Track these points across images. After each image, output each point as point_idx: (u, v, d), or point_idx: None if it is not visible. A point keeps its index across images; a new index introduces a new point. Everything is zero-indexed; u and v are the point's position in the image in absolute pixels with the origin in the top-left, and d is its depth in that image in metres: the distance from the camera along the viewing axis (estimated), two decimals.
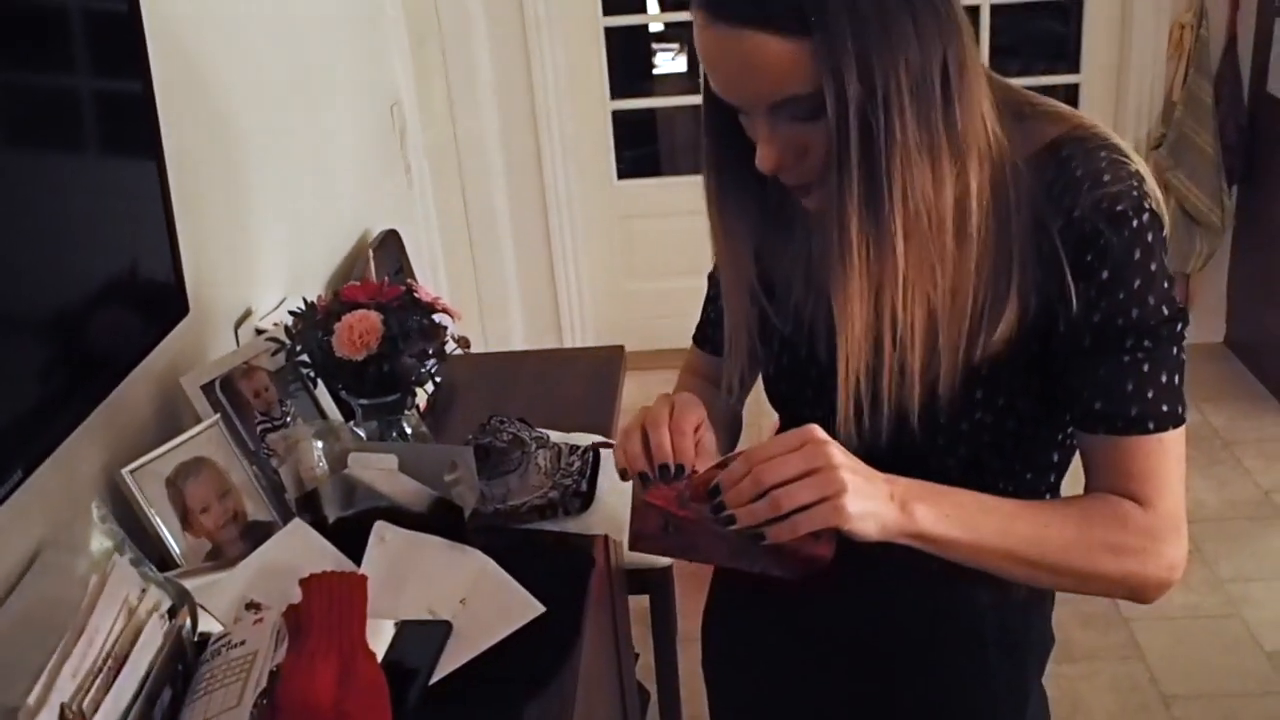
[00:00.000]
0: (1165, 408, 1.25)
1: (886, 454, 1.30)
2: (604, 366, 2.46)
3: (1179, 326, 1.24)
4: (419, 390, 1.97)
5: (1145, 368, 1.24)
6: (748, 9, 1.13)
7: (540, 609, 1.58)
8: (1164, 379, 1.24)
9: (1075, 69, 4.75)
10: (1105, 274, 1.22)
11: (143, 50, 1.68)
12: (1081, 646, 3.21)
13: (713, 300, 1.63)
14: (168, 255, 1.75)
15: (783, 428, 1.58)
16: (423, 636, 1.52)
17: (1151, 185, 1.24)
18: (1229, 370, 4.74)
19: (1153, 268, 1.22)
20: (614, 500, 1.87)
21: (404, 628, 1.52)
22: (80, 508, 1.50)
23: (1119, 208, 1.20)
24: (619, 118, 4.84)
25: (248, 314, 2.19)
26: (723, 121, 1.29)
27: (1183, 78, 4.48)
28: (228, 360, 1.92)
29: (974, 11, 4.66)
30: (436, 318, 1.88)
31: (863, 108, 1.13)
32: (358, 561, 1.65)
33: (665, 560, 2.63)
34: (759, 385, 1.58)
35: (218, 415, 1.81)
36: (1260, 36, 4.42)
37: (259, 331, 2.11)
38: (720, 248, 1.42)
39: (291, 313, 1.87)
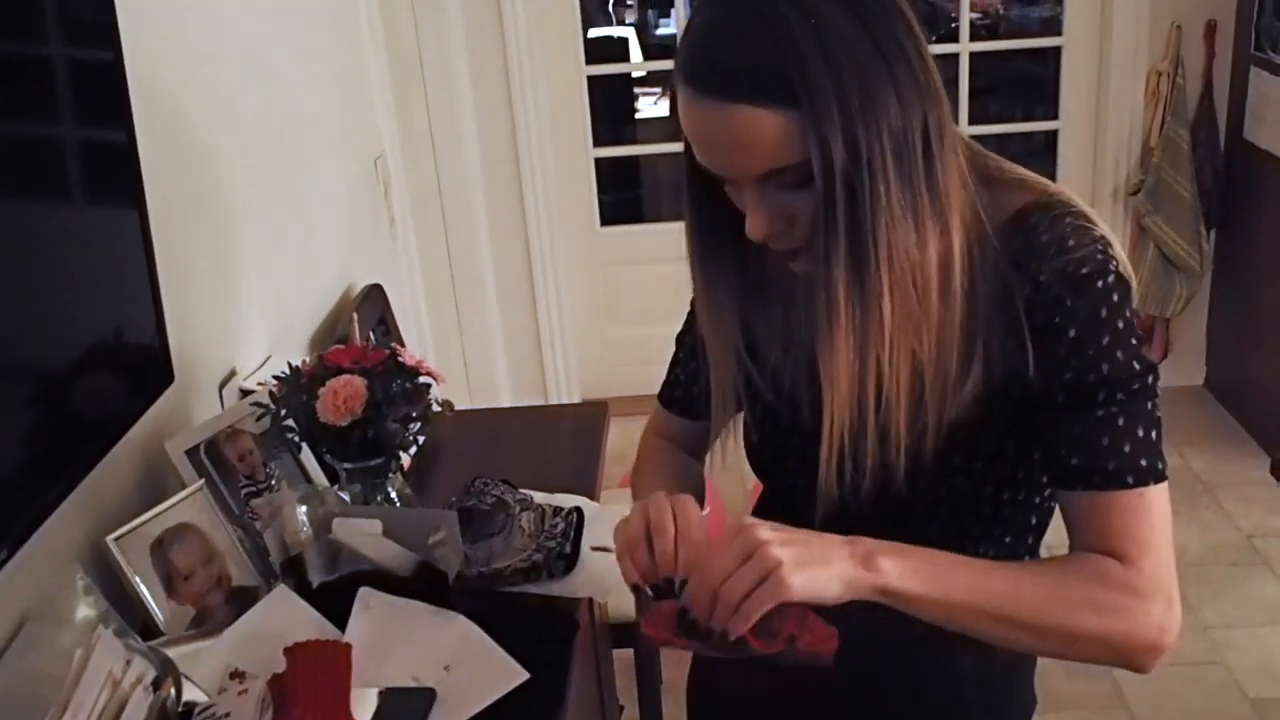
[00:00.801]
0: (1144, 462, 1.25)
1: (869, 517, 1.32)
2: (588, 424, 2.47)
3: (1150, 380, 1.26)
4: (403, 453, 1.98)
5: (1120, 422, 1.25)
6: (738, 85, 1.15)
7: (524, 675, 1.59)
8: (1140, 433, 1.25)
9: (1054, 115, 4.79)
10: (1073, 332, 1.24)
11: (125, 100, 1.69)
12: (1066, 696, 3.21)
13: (681, 363, 1.65)
14: (152, 318, 1.76)
15: (765, 495, 1.60)
16: (407, 704, 1.52)
17: (1117, 250, 1.26)
18: (1209, 414, 4.76)
19: (1120, 325, 1.24)
20: (598, 562, 1.87)
21: (388, 696, 1.52)
22: (64, 577, 1.50)
23: (1084, 271, 1.23)
24: (601, 164, 4.87)
25: (232, 374, 2.19)
26: (705, 191, 1.31)
27: (1160, 124, 4.52)
28: (212, 424, 1.93)
29: (954, 58, 4.70)
30: (420, 380, 1.89)
31: (848, 174, 1.15)
32: (342, 625, 1.65)
33: None
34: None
35: (202, 480, 1.82)
36: (1236, 83, 4.47)
37: (244, 392, 2.12)
38: (705, 314, 1.43)
39: (276, 377, 1.87)
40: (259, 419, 1.91)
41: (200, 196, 2.18)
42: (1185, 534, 3.96)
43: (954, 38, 4.72)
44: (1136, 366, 1.25)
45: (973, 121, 4.79)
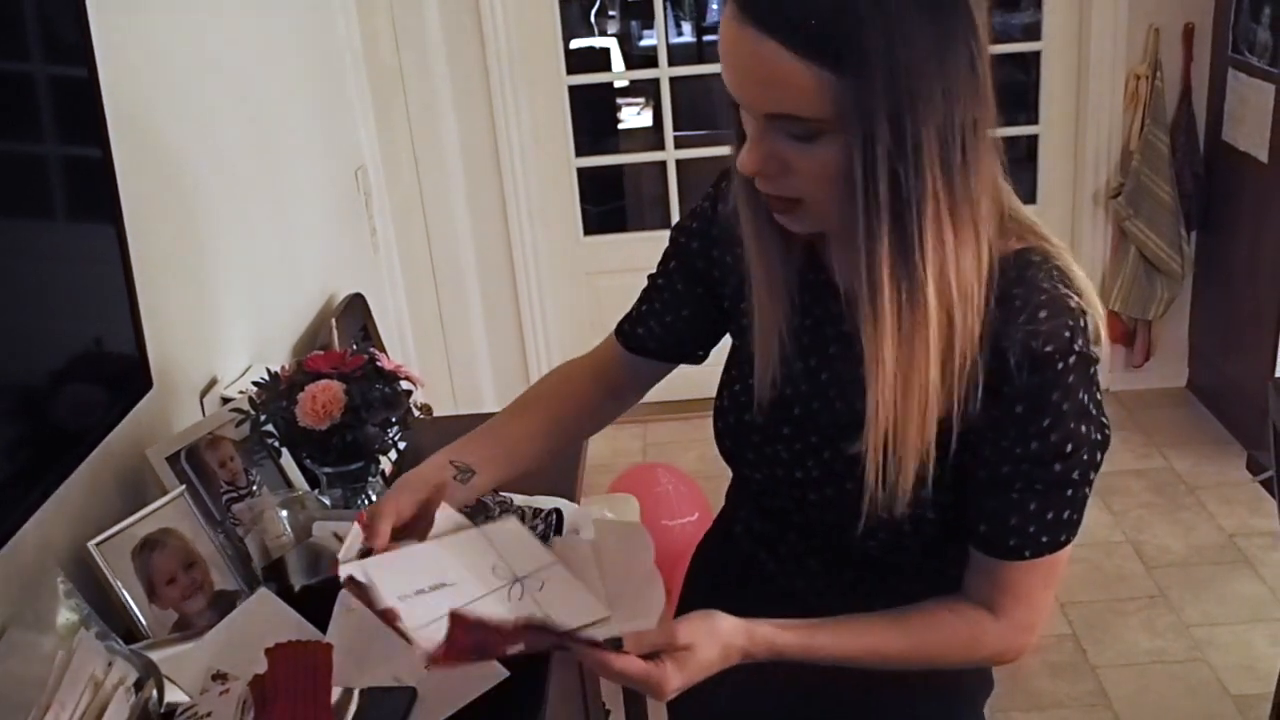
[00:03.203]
0: (1044, 539, 1.30)
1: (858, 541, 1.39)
2: None
3: (1086, 460, 1.28)
4: (383, 457, 1.99)
5: (1032, 506, 1.29)
6: (778, 21, 1.13)
7: (504, 674, 1.59)
8: (1049, 516, 1.29)
9: (1035, 120, 4.81)
10: (1019, 408, 1.25)
11: (101, 115, 1.70)
12: (1049, 695, 3.22)
13: (643, 299, 1.69)
14: (130, 327, 1.78)
15: (733, 483, 1.63)
16: (388, 703, 1.53)
17: (1091, 319, 1.25)
18: (1191, 415, 4.78)
19: (1065, 407, 1.24)
20: None
21: (369, 695, 1.53)
22: (46, 582, 1.51)
23: (1047, 350, 1.22)
24: (584, 174, 4.88)
25: (213, 383, 2.21)
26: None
27: (1139, 127, 4.54)
28: (193, 431, 1.94)
29: None
30: (400, 385, 1.90)
31: (891, 156, 1.14)
32: (324, 628, 1.66)
33: None
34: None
35: (183, 486, 1.83)
36: (1214, 86, 4.49)
37: (224, 400, 2.13)
38: (752, 247, 1.40)
39: (255, 383, 1.89)
40: (239, 425, 1.93)
41: (179, 209, 2.19)
42: (1168, 534, 3.99)
43: None
44: (1068, 448, 1.26)
45: None
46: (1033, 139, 4.85)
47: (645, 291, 1.69)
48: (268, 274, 2.64)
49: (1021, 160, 4.97)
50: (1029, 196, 4.90)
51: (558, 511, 1.94)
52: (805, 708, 1.55)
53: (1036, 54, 4.74)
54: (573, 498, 2.14)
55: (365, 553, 1.45)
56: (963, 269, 1.21)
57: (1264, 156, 4.16)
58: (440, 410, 3.15)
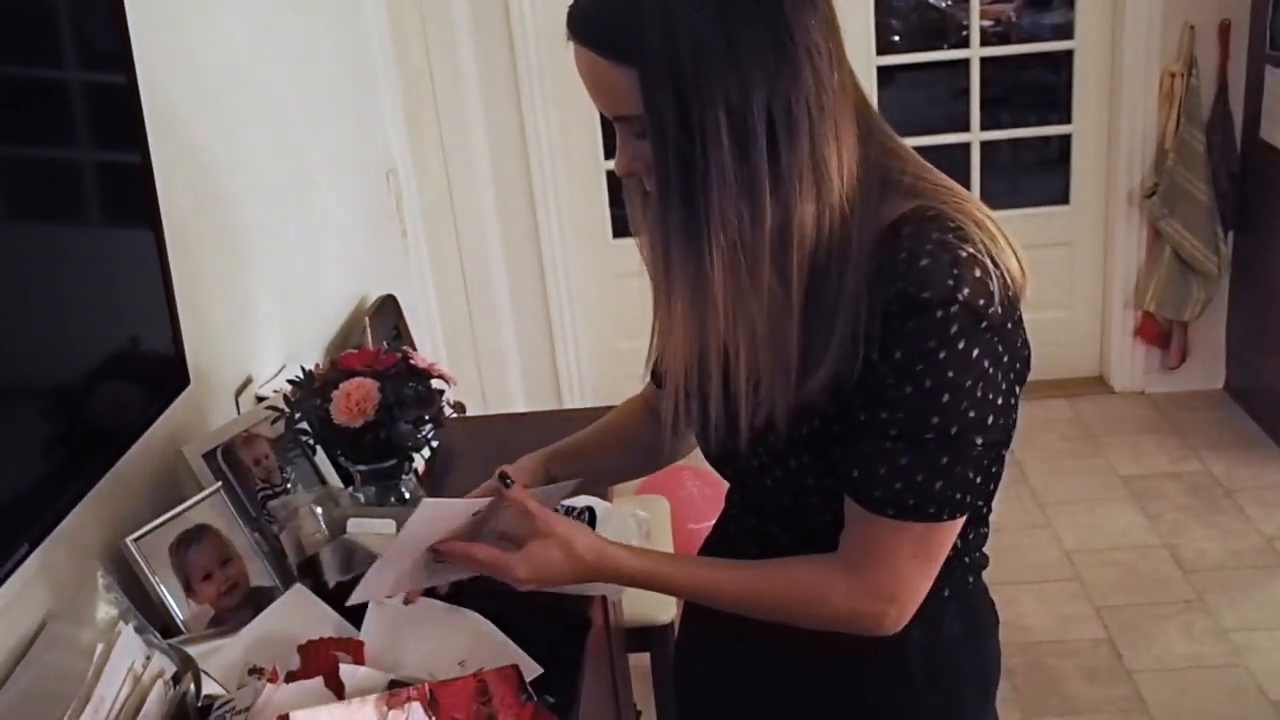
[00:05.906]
0: (911, 502, 1.28)
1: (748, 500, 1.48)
2: None
3: (973, 420, 1.25)
4: (416, 455, 1.99)
5: (903, 460, 1.27)
6: (583, 28, 1.25)
7: (538, 670, 1.60)
8: (920, 477, 1.27)
9: (1068, 119, 4.79)
10: (898, 354, 1.24)
11: (140, 122, 1.71)
12: (1085, 700, 3.20)
13: (654, 329, 1.68)
14: (168, 326, 1.78)
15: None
16: None
17: (983, 276, 1.22)
18: (1229, 417, 4.75)
19: (943, 356, 1.22)
20: None
21: None
22: (85, 578, 1.52)
23: (924, 295, 1.21)
24: (614, 175, 4.85)
25: (248, 382, 2.21)
26: None
27: (1174, 126, 4.51)
28: (228, 429, 1.95)
29: (964, 64, 4.71)
30: (433, 383, 1.90)
31: (679, 141, 1.19)
32: (358, 624, 1.66)
33: (665, 617, 2.65)
34: None
35: (219, 483, 1.83)
36: (1251, 83, 4.46)
37: (259, 399, 2.14)
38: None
39: (290, 381, 1.89)
40: (274, 423, 1.93)
41: (214, 212, 2.20)
42: (1206, 538, 3.96)
43: (966, 44, 4.74)
44: (945, 398, 1.23)
45: (985, 128, 4.79)
46: (1065, 139, 4.84)
47: (653, 323, 1.69)
48: (301, 276, 2.65)
49: (1054, 160, 4.95)
50: (1061, 196, 4.88)
51: (590, 509, 1.94)
52: (806, 699, 1.54)
53: (1069, 53, 4.72)
54: (605, 496, 2.14)
55: None
56: (758, 242, 1.23)
57: None
58: (469, 410, 3.15)
